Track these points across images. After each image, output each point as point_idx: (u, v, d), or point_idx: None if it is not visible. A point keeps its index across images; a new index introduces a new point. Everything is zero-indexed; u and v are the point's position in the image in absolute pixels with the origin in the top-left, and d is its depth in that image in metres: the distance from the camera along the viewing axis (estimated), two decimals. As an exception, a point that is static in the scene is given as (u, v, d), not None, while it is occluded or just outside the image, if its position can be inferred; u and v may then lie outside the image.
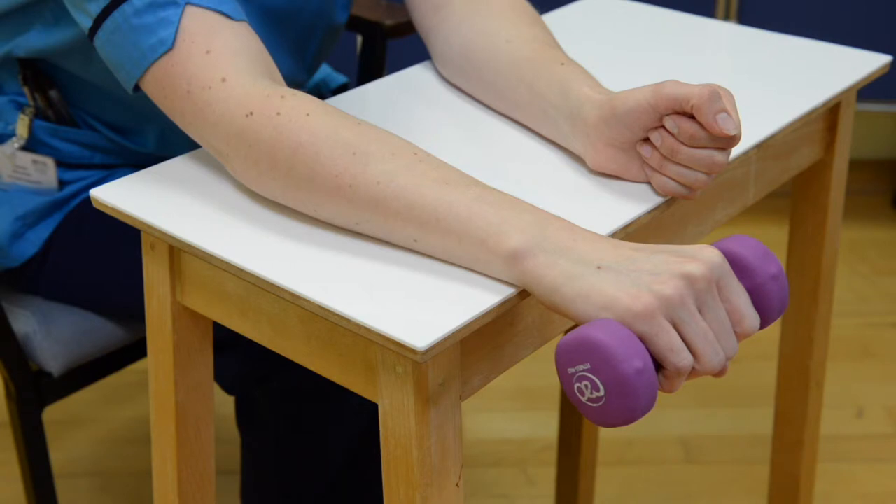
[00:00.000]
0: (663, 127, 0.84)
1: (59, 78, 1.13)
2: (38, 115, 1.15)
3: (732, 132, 0.81)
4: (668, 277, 0.68)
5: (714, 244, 0.73)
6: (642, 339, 0.68)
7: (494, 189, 0.77)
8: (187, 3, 0.85)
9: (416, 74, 1.09)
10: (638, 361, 0.66)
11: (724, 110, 0.81)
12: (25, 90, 1.14)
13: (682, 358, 0.68)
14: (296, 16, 1.12)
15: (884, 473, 1.78)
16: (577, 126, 0.89)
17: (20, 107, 1.16)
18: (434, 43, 1.07)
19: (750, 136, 0.95)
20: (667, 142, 0.84)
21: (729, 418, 1.91)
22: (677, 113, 0.83)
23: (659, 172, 0.86)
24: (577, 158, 0.92)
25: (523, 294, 0.74)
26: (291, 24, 1.12)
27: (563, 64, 0.94)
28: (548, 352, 0.94)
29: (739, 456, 1.82)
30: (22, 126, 1.14)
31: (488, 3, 1.03)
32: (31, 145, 1.16)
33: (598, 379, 0.67)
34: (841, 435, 1.86)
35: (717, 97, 0.81)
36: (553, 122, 0.93)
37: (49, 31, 1.08)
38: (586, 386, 0.68)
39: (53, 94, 1.14)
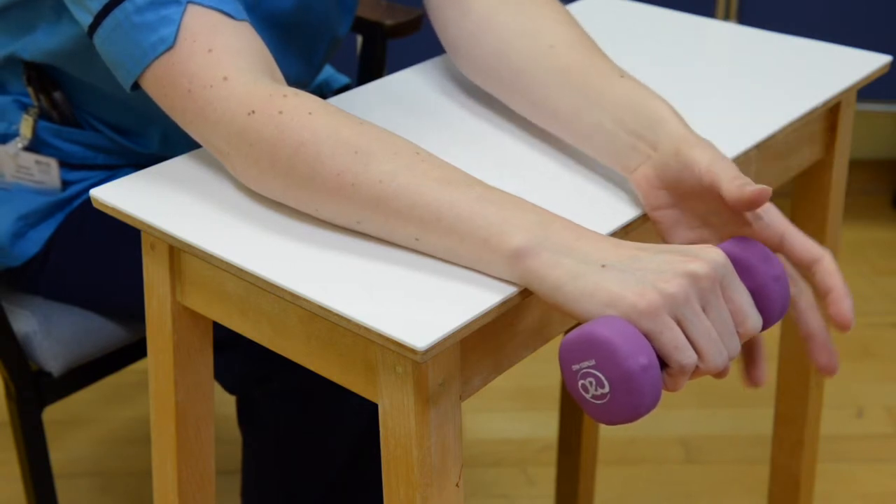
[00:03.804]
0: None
1: (63, 79, 1.13)
2: (42, 115, 1.15)
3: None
4: (673, 276, 0.68)
5: (716, 245, 0.73)
6: (647, 337, 0.68)
7: (496, 188, 0.76)
8: (189, 2, 0.85)
9: (416, 74, 1.09)
10: (643, 358, 0.66)
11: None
12: (30, 91, 1.14)
13: (687, 356, 0.68)
14: (301, 27, 1.11)
15: (884, 473, 1.78)
16: (641, 151, 0.85)
17: (24, 107, 1.16)
18: (456, 37, 1.00)
19: (750, 136, 0.95)
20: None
21: (729, 418, 1.90)
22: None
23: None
24: (577, 159, 0.92)
25: (524, 294, 0.74)
26: (298, 33, 1.11)
27: (622, 77, 0.89)
28: (548, 352, 0.94)
29: (739, 456, 1.82)
30: (26, 126, 1.14)
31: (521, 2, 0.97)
32: (35, 146, 1.16)
33: (604, 375, 0.67)
34: (841, 435, 1.86)
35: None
36: (610, 140, 0.87)
37: (53, 29, 1.07)
38: (591, 383, 0.68)
39: (57, 95, 1.14)
